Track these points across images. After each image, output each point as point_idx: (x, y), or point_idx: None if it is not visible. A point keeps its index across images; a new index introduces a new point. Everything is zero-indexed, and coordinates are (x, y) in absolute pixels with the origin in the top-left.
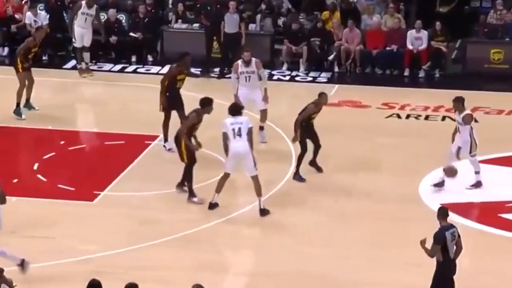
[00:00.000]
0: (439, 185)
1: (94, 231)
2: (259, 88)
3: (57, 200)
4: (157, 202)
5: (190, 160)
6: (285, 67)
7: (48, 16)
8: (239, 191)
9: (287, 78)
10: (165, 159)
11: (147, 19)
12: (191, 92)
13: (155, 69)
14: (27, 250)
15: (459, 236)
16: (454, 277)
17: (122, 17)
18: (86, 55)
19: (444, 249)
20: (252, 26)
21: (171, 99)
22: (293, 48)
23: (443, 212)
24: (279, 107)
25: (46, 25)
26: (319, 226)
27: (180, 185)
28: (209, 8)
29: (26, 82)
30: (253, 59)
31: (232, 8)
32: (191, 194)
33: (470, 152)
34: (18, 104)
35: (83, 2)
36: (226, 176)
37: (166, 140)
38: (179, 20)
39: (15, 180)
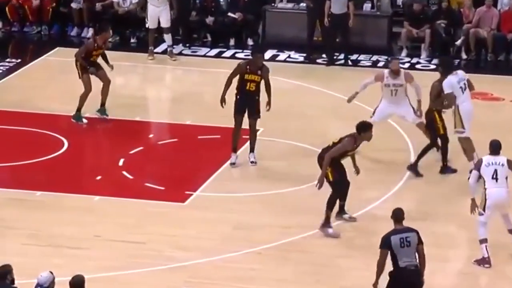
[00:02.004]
0: None
1: (185, 235)
2: (408, 101)
3: (144, 201)
4: (255, 205)
5: (337, 181)
6: (404, 53)
7: None
8: (348, 194)
9: (407, 65)
10: (266, 156)
11: None
12: (296, 81)
13: None
14: (113, 255)
15: (419, 243)
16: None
17: None
18: (167, 37)
19: (392, 256)
20: (366, 6)
21: (239, 104)
22: (414, 31)
23: (396, 214)
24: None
25: (135, 4)
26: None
27: (339, 213)
28: None
29: (101, 83)
30: (403, 70)
31: None
32: (327, 222)
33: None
34: (79, 109)
35: None
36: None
37: (234, 150)
38: None
39: (98, 177)
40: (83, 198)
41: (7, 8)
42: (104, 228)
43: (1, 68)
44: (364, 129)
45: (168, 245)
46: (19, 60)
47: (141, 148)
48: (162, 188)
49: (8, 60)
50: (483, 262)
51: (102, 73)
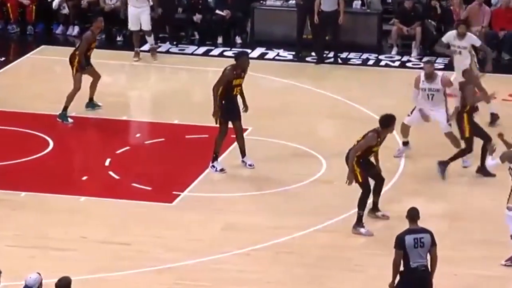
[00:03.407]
0: None
1: (173, 236)
2: (445, 107)
3: (131, 201)
4: (244, 206)
5: (365, 182)
6: (394, 51)
7: None
8: (338, 194)
9: (397, 64)
10: (255, 156)
11: None
12: (285, 80)
13: None
14: (99, 257)
15: (433, 244)
16: None
17: None
18: (150, 39)
19: (404, 256)
20: (356, 4)
21: (227, 110)
22: (405, 29)
23: (411, 213)
24: (387, 97)
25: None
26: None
27: (372, 210)
28: None
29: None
30: (440, 74)
31: None
32: (359, 222)
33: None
34: (65, 108)
35: None
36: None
37: (215, 158)
38: None
39: (84, 177)
40: (69, 198)
41: None
42: (90, 229)
43: None
44: (387, 122)
45: (156, 246)
46: (3, 59)
47: (127, 148)
48: (149, 188)
49: None
50: None
51: (92, 69)
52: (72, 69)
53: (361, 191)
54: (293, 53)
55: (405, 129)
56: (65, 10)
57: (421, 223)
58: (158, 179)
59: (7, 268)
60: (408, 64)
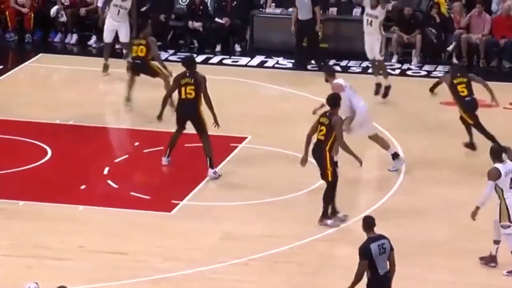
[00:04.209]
0: None
1: (171, 245)
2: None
3: (129, 210)
4: (242, 215)
5: (335, 179)
6: (395, 59)
7: None
8: (337, 203)
9: (397, 72)
10: (254, 164)
11: (235, 2)
12: (284, 88)
13: (243, 60)
14: (98, 266)
15: (391, 249)
16: None
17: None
18: (127, 53)
19: (371, 264)
20: (356, 11)
21: None
22: (405, 37)
23: (367, 221)
24: (387, 104)
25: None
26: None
27: (322, 217)
28: None
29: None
30: (335, 82)
31: None
32: (325, 215)
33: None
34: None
35: None
36: None
37: (212, 164)
38: (273, 4)
39: (82, 187)
40: (67, 207)
41: None
42: (88, 239)
43: None
44: (336, 101)
45: (154, 256)
46: (1, 67)
47: (126, 156)
48: (148, 197)
49: None
50: None
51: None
52: (158, 73)
53: (328, 187)
54: (293, 61)
55: (376, 139)
56: (63, 18)
57: (421, 231)
58: (156, 188)
59: (3, 277)
60: (408, 72)
